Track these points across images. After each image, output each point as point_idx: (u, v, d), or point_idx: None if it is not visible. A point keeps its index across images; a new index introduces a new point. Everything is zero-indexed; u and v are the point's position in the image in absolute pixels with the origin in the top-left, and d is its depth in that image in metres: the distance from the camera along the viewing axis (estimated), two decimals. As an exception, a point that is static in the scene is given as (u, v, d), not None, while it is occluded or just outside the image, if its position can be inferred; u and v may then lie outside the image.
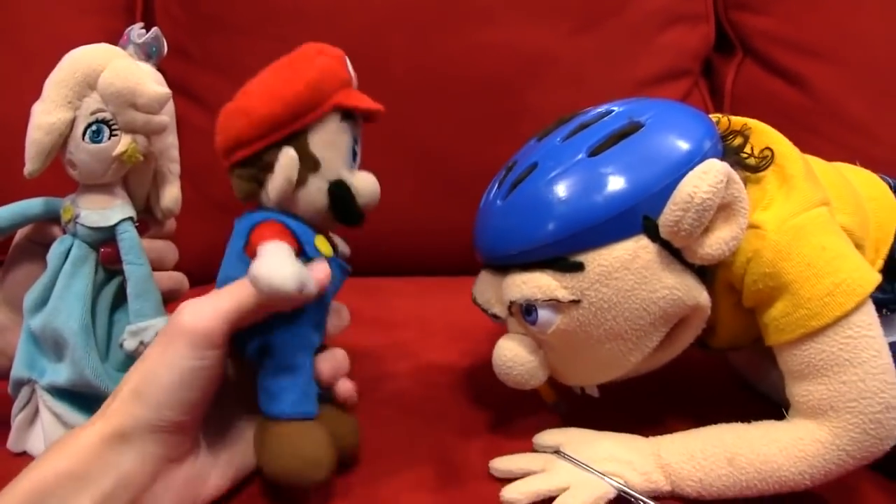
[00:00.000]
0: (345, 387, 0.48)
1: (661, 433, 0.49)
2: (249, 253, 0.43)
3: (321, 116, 0.45)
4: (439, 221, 0.89)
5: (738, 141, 0.49)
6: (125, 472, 0.40)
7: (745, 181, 0.47)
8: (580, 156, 0.46)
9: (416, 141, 0.89)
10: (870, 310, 0.45)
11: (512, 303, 0.48)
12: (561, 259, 0.45)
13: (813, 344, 0.44)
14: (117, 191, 0.51)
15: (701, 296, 0.46)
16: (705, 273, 0.47)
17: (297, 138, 0.45)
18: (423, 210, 0.89)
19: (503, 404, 0.57)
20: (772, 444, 0.45)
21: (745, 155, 0.49)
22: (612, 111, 0.49)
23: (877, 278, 0.45)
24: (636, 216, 0.44)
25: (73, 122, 0.48)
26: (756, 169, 0.48)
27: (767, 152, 0.49)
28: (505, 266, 0.49)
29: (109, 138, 0.48)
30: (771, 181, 0.48)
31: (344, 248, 0.51)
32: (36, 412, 0.51)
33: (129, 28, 0.51)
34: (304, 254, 0.45)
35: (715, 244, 0.44)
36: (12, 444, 0.52)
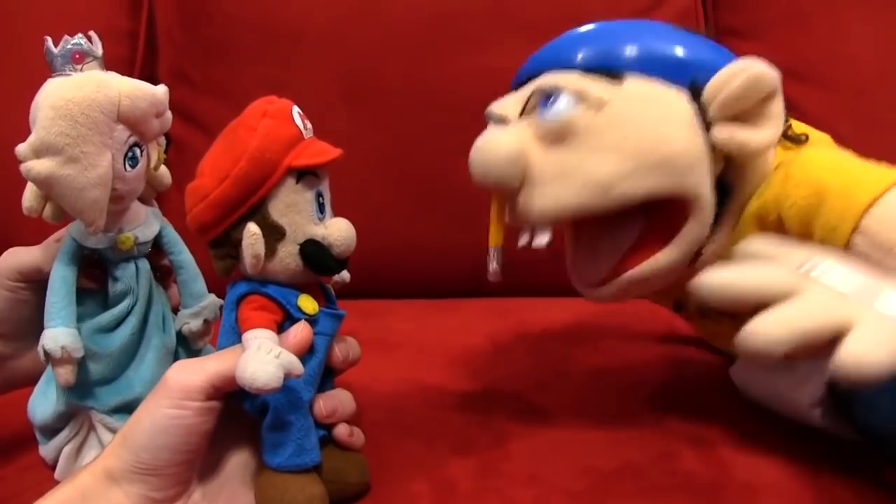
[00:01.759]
0: (340, 431, 0.49)
1: (662, 433, 0.49)
2: (241, 329, 0.45)
3: (276, 184, 0.45)
4: (436, 244, 0.90)
5: None
6: None
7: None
8: (666, 25, 0.51)
9: (414, 164, 0.90)
10: None
11: (536, 90, 0.48)
12: (605, 67, 0.47)
13: (875, 216, 0.42)
14: (134, 203, 0.52)
15: (706, 186, 0.47)
16: (725, 197, 0.48)
17: (257, 210, 0.45)
18: (419, 233, 0.90)
19: (500, 426, 0.57)
20: None
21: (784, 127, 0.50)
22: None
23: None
24: (687, 72, 0.47)
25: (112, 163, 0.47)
26: (789, 139, 0.50)
27: (804, 136, 0.51)
28: (549, 70, 0.49)
29: (142, 156, 0.49)
30: (798, 151, 0.50)
31: (340, 280, 0.52)
32: (84, 441, 0.52)
33: (70, 44, 0.47)
34: (291, 317, 0.46)
35: (742, 136, 0.46)
36: (62, 473, 0.52)
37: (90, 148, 0.45)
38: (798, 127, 0.52)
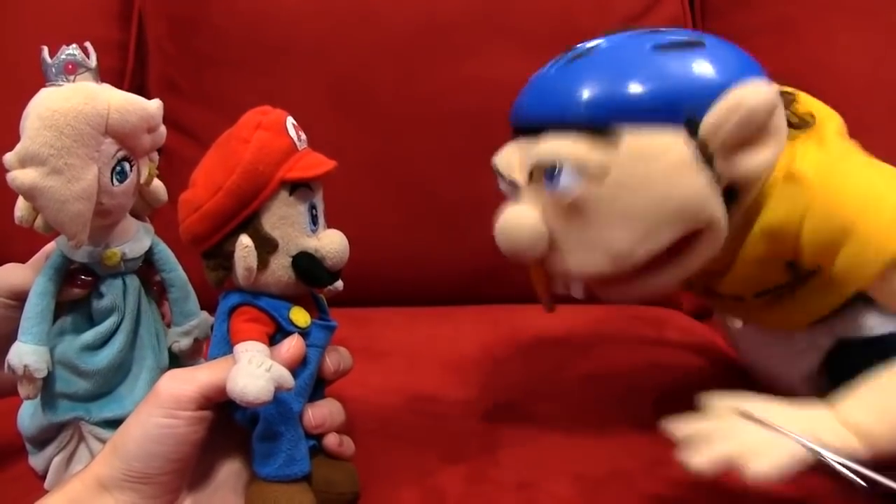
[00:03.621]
0: (330, 441, 0.49)
1: (653, 441, 0.48)
2: (232, 341, 0.45)
3: (269, 196, 0.45)
4: (427, 252, 0.90)
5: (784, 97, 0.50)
6: None
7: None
8: (645, 48, 0.47)
9: (405, 173, 0.90)
10: None
11: (538, 164, 0.48)
12: (600, 128, 0.46)
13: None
14: (124, 218, 0.52)
15: (718, 211, 0.46)
16: (732, 202, 0.47)
17: (250, 223, 0.45)
18: (410, 241, 0.90)
19: (490, 434, 0.57)
20: None
21: (787, 112, 0.49)
22: (679, 30, 0.50)
23: None
24: (682, 111, 0.45)
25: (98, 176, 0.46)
26: (795, 126, 0.49)
27: (809, 117, 0.50)
28: (540, 129, 0.48)
29: (131, 171, 0.49)
30: (809, 142, 0.49)
31: (333, 289, 0.52)
32: (73, 452, 0.52)
33: (64, 55, 0.47)
34: (282, 329, 0.47)
35: (749, 162, 0.45)
36: (52, 484, 0.52)
37: (75, 160, 0.44)
38: (804, 104, 0.52)
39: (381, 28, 0.90)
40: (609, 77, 0.46)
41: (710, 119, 0.44)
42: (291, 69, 0.90)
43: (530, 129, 0.50)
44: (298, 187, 0.46)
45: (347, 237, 0.48)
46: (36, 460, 0.53)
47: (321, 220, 0.48)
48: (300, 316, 0.47)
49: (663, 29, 0.50)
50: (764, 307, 0.49)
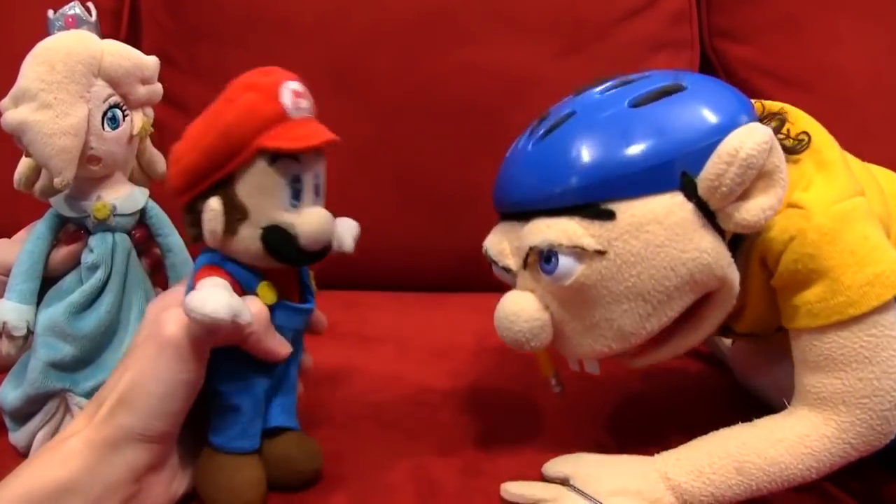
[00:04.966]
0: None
1: (662, 445, 0.48)
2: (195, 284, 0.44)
3: (245, 162, 0.42)
4: (419, 238, 0.89)
5: (774, 123, 0.48)
6: (113, 481, 0.41)
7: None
8: (621, 106, 0.45)
9: (399, 158, 0.89)
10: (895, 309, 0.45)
11: (531, 250, 0.45)
12: (591, 206, 0.43)
13: (837, 336, 0.44)
14: (119, 175, 0.52)
15: (729, 268, 0.44)
16: (737, 248, 0.46)
17: (224, 186, 0.43)
18: (403, 226, 0.89)
19: (480, 421, 0.57)
20: (777, 444, 0.45)
21: (781, 136, 0.47)
22: (653, 74, 0.48)
23: None
24: (674, 171, 0.43)
25: (88, 117, 0.47)
26: (793, 151, 0.47)
27: (804, 136, 0.48)
28: (528, 213, 0.46)
29: (124, 120, 0.49)
30: (808, 163, 0.47)
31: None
32: (59, 426, 0.51)
33: (66, 10, 0.49)
34: None
35: (753, 210, 0.43)
36: None
37: (64, 96, 0.46)
38: (796, 121, 0.49)
39: (380, 10, 0.89)
40: (592, 151, 0.44)
41: (708, 175, 0.42)
42: (288, 47, 0.88)
43: (516, 213, 0.48)
44: (281, 158, 0.43)
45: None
46: (17, 436, 0.52)
47: (308, 196, 0.45)
48: (267, 293, 0.46)
49: (634, 76, 0.48)
50: (784, 338, 0.48)
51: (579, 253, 0.43)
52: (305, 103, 0.45)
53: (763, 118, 0.49)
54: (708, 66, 0.98)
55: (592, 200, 0.43)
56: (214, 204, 0.43)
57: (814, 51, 0.92)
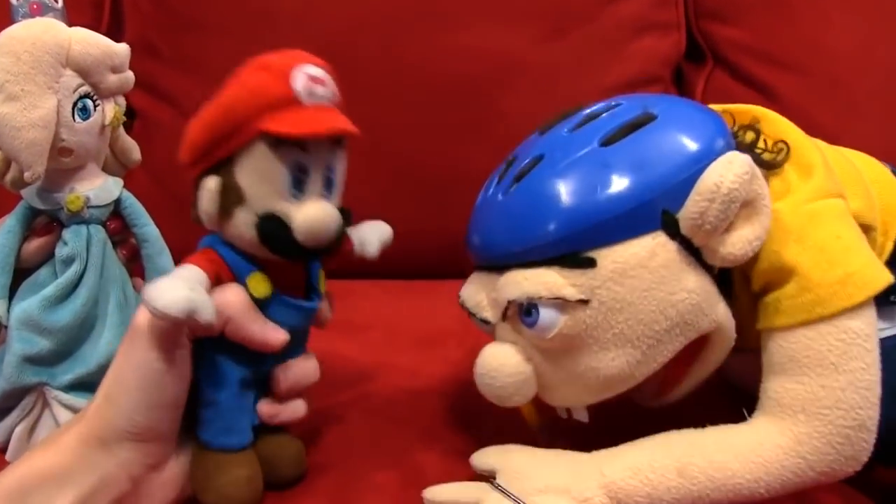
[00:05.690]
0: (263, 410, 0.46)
1: (639, 422, 0.46)
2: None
3: (245, 144, 0.41)
4: (408, 225, 0.88)
5: (750, 136, 0.46)
6: (105, 475, 0.40)
7: (765, 177, 0.44)
8: (591, 146, 0.43)
9: (387, 143, 0.88)
10: (871, 320, 0.42)
11: (510, 303, 0.43)
12: (570, 255, 0.41)
13: (804, 337, 0.42)
14: (92, 166, 0.51)
15: (719, 306, 0.43)
16: (725, 282, 0.44)
17: (224, 166, 0.42)
18: (392, 213, 0.88)
19: (467, 409, 0.57)
20: (727, 449, 0.42)
21: (759, 150, 0.46)
22: (621, 103, 0.46)
23: (889, 278, 0.43)
24: (654, 211, 0.41)
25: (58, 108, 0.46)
26: (773, 165, 0.46)
27: (782, 145, 0.46)
28: (504, 266, 0.44)
29: (95, 110, 0.48)
30: (790, 171, 0.46)
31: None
32: (37, 420, 0.50)
33: None
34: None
35: (738, 243, 0.41)
36: (14, 455, 0.50)
37: (32, 87, 0.45)
38: (771, 127, 0.48)
39: (365, -5, 0.89)
40: (567, 199, 0.42)
41: (690, 213, 0.40)
42: (273, 35, 0.87)
43: (493, 265, 0.46)
44: (284, 144, 0.41)
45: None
46: None
47: (314, 188, 0.43)
48: (259, 284, 0.43)
49: (600, 107, 0.46)
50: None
51: (561, 304, 0.41)
52: (323, 90, 0.43)
53: (736, 133, 0.47)
54: (695, 48, 0.98)
55: (571, 251, 0.41)
56: (211, 183, 0.42)
57: (803, 31, 0.91)
